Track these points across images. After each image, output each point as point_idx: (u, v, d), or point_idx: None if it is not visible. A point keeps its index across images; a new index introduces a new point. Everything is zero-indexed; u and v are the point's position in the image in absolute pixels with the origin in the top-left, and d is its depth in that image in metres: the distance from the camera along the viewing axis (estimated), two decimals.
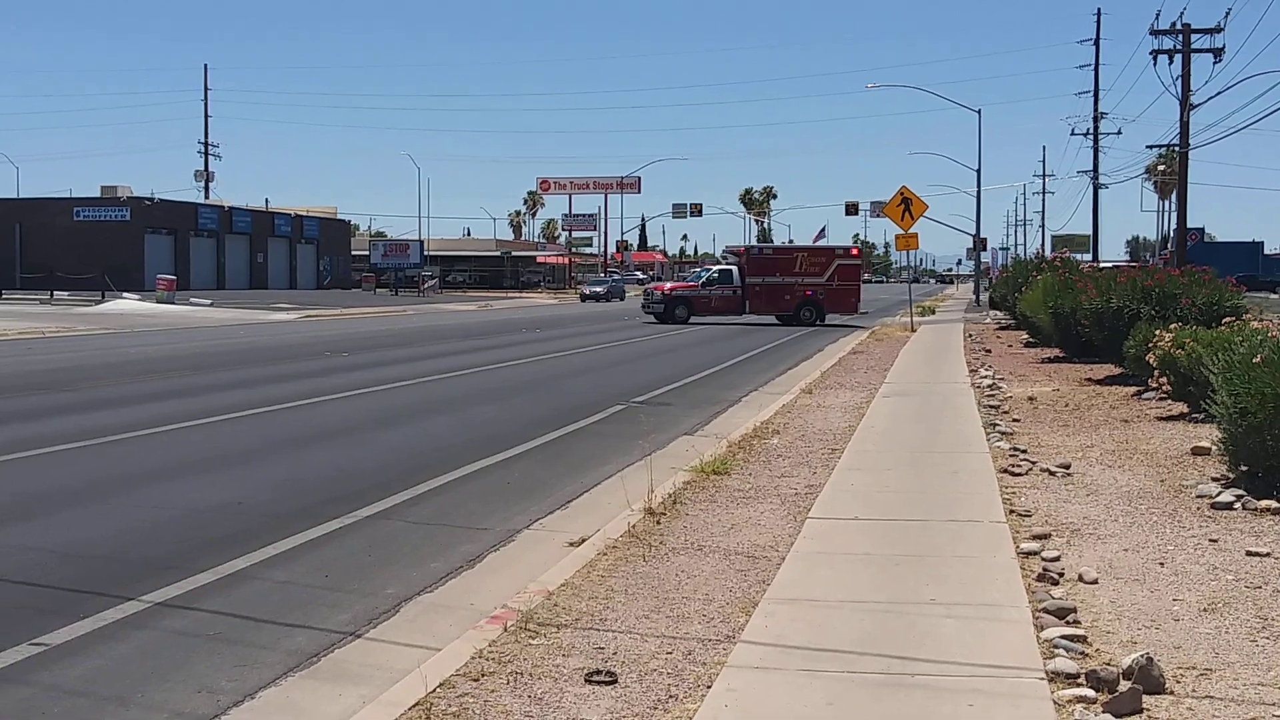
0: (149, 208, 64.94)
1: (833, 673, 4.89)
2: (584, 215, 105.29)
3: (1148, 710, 4.55)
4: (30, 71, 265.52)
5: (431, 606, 6.47)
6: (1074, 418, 13.23)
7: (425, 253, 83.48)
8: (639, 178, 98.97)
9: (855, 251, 43.80)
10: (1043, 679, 4.80)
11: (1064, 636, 5.32)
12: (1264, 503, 7.97)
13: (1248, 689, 4.77)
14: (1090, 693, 4.67)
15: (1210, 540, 7.21)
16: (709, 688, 4.82)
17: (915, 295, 43.54)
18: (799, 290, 39.93)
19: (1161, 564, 6.72)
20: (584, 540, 7.57)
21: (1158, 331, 13.58)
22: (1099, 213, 59.52)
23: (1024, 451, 10.65)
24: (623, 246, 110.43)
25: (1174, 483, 9.07)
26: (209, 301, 50.45)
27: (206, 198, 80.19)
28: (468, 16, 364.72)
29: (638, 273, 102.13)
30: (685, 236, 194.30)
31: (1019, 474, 9.54)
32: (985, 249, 70.82)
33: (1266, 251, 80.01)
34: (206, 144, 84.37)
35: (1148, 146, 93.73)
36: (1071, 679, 4.83)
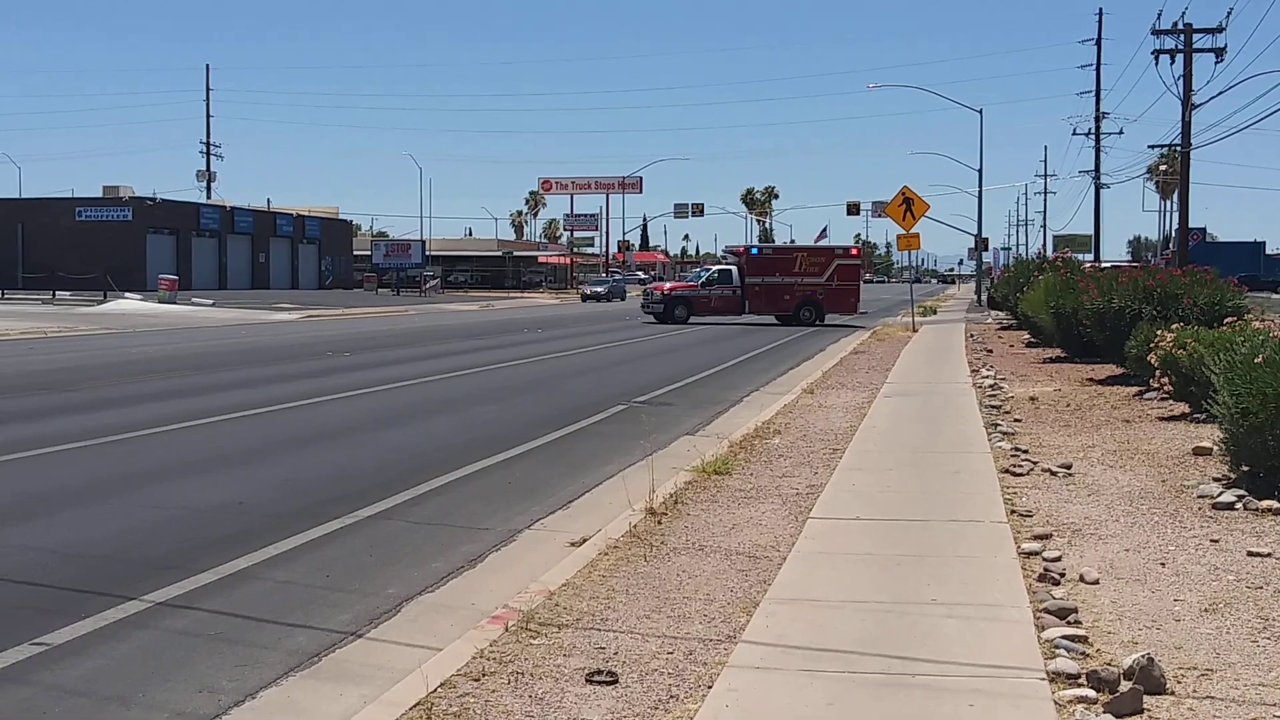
0: (151, 208, 64.98)
1: (833, 673, 4.89)
2: (586, 215, 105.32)
3: (1149, 710, 4.55)
4: (32, 72, 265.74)
5: (433, 606, 6.47)
6: (1075, 418, 13.23)
7: (427, 253, 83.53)
8: (640, 178, 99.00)
9: (855, 251, 43.74)
10: (1044, 679, 4.80)
11: (1065, 637, 5.32)
12: (1265, 503, 7.96)
13: (1249, 689, 4.76)
14: (1091, 693, 4.67)
15: (1211, 540, 7.21)
16: (710, 688, 4.82)
17: (917, 295, 43.55)
18: (798, 290, 39.90)
19: (1163, 564, 6.72)
20: (585, 540, 7.57)
21: (1159, 332, 13.58)
22: (1100, 213, 59.51)
23: (1025, 452, 10.65)
24: (624, 246, 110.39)
25: (1175, 483, 9.06)
26: (211, 301, 50.48)
27: (208, 198, 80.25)
28: (469, 16, 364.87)
29: (639, 273, 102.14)
30: (687, 236, 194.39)
31: (1020, 474, 9.53)
32: (987, 249, 70.84)
33: (1268, 251, 79.99)
34: (208, 144, 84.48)
35: (1149, 146, 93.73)
36: (1072, 679, 4.82)
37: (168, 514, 8.53)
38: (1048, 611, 5.70)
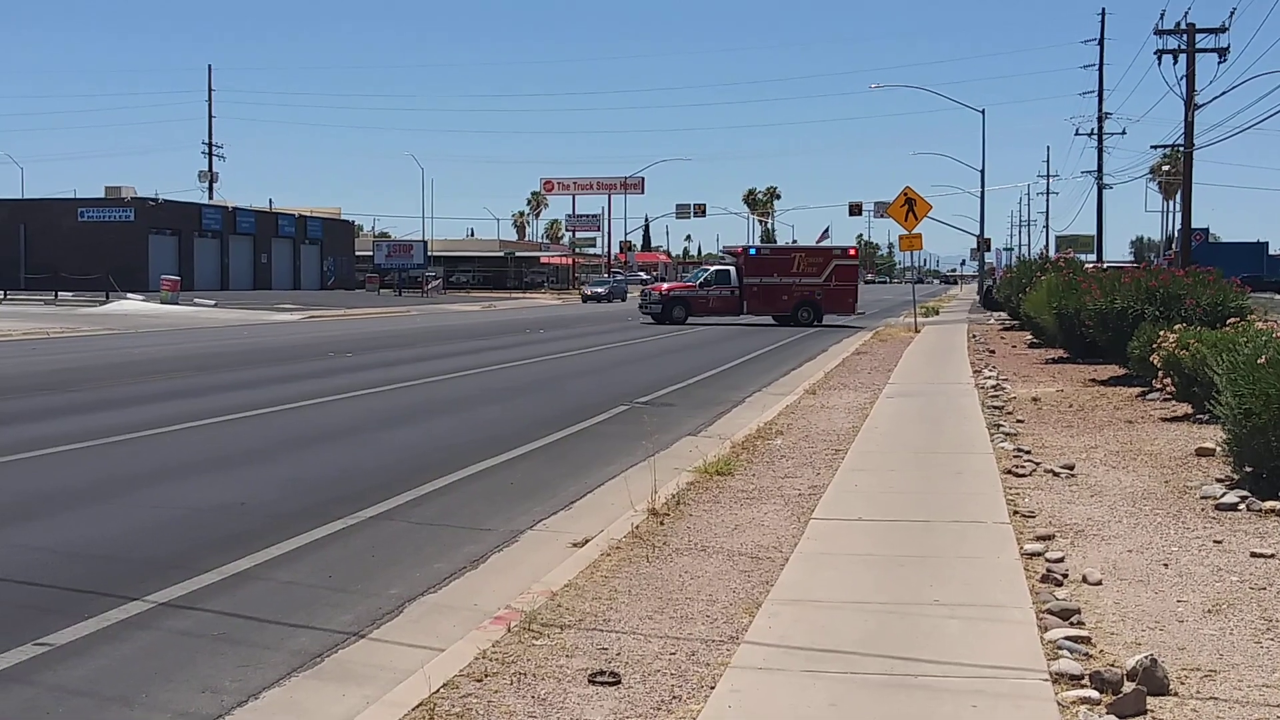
0: (153, 208, 65.01)
1: (836, 673, 4.89)
2: (588, 216, 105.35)
3: (1152, 711, 4.55)
4: (34, 72, 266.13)
5: (435, 607, 6.47)
6: (1078, 419, 13.22)
7: (429, 253, 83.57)
8: (642, 178, 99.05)
9: (853, 252, 43.67)
10: (1046, 680, 4.79)
11: (1068, 638, 5.31)
12: (1268, 504, 7.95)
13: (1252, 690, 4.76)
14: (1094, 694, 4.67)
15: (1215, 541, 7.20)
16: (712, 688, 4.82)
17: (919, 296, 43.56)
18: (796, 291, 39.85)
19: (1166, 565, 6.71)
20: (587, 541, 7.57)
21: (1162, 332, 13.57)
22: (1103, 213, 59.39)
23: (1028, 452, 10.64)
24: (626, 247, 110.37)
25: (1178, 484, 9.06)
26: (213, 302, 50.51)
27: (210, 198, 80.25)
28: (471, 16, 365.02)
29: (641, 273, 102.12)
30: (689, 237, 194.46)
31: (1023, 475, 9.53)
32: (989, 249, 70.80)
33: (1272, 252, 79.90)
34: (211, 144, 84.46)
35: (1152, 147, 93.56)
36: (1075, 680, 4.82)
37: (170, 514, 8.53)
38: (1050, 612, 5.70)
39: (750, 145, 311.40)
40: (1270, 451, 8.25)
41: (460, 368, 21.16)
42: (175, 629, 5.98)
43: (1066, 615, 5.67)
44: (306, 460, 11.14)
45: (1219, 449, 9.67)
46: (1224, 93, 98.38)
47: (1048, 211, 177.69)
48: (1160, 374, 13.09)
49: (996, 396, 15.46)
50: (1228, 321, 13.63)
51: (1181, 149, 39.66)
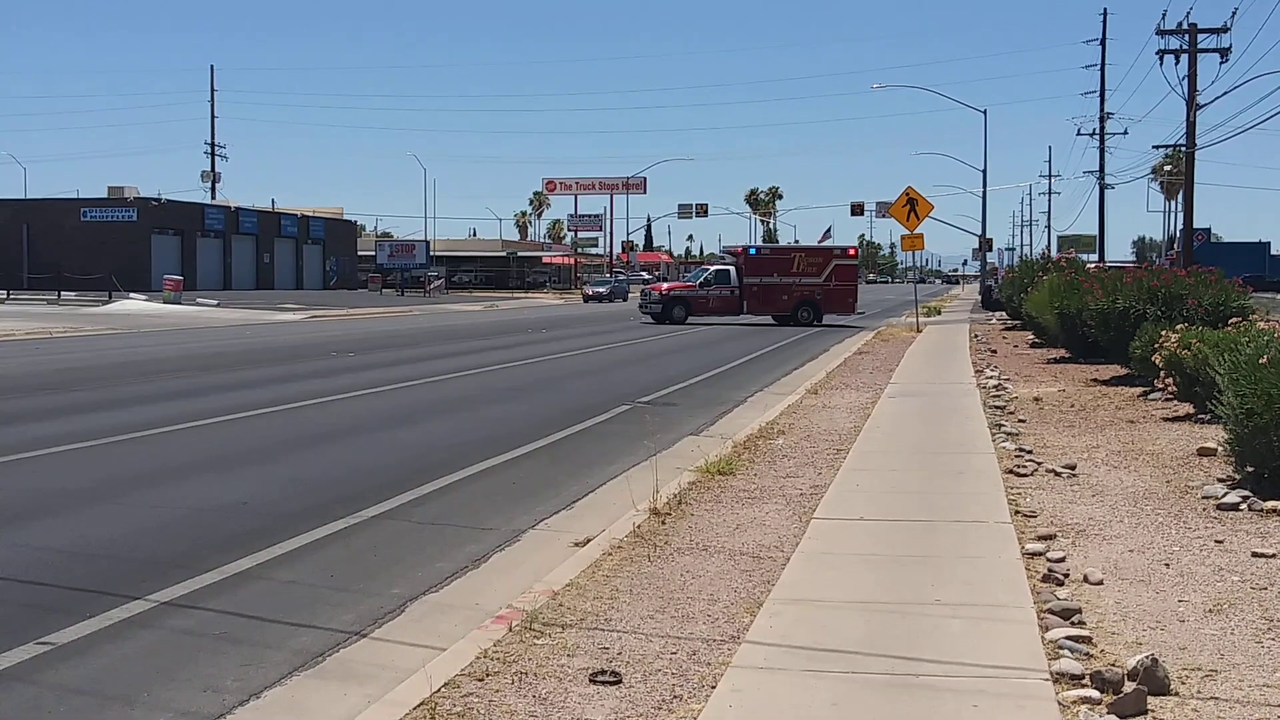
0: (156, 208, 65.05)
1: (837, 673, 4.89)
2: (590, 216, 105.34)
3: (1153, 711, 4.55)
4: (37, 72, 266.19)
5: (437, 606, 6.48)
6: (1080, 418, 13.22)
7: (431, 253, 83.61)
8: (644, 178, 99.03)
9: (852, 252, 43.70)
10: (1047, 680, 4.80)
11: (1069, 637, 5.31)
12: (1270, 504, 7.95)
13: (1253, 690, 4.76)
14: (1095, 694, 4.67)
15: (1216, 541, 7.20)
16: (713, 688, 4.82)
17: (921, 296, 43.54)
18: (796, 291, 39.83)
19: (1167, 565, 6.71)
20: (589, 540, 7.57)
21: (1164, 332, 13.56)
22: (1105, 213, 59.38)
23: (1029, 452, 10.64)
24: (628, 247, 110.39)
25: (1180, 484, 9.05)
26: (215, 302, 50.55)
27: (213, 198, 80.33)
28: (472, 17, 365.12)
29: (643, 273, 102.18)
30: (691, 237, 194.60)
31: (1024, 474, 9.53)
32: (991, 249, 70.76)
33: (1273, 252, 79.89)
34: (213, 145, 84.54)
35: (1154, 147, 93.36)
36: (1076, 680, 4.82)
37: (172, 514, 8.54)
38: (1052, 612, 5.70)
39: (752, 145, 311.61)
40: (1272, 451, 8.25)
41: (462, 367, 21.17)
42: (177, 628, 5.99)
43: (1068, 615, 5.67)
44: (308, 460, 11.15)
45: (1221, 449, 9.66)
46: (1226, 93, 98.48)
47: (1050, 211, 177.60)
48: (1162, 374, 13.09)
49: (998, 396, 15.46)
50: (1229, 321, 13.63)
51: (1183, 149, 39.64)
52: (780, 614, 5.75)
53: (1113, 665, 4.97)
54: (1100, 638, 5.41)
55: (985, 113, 54.05)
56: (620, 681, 4.93)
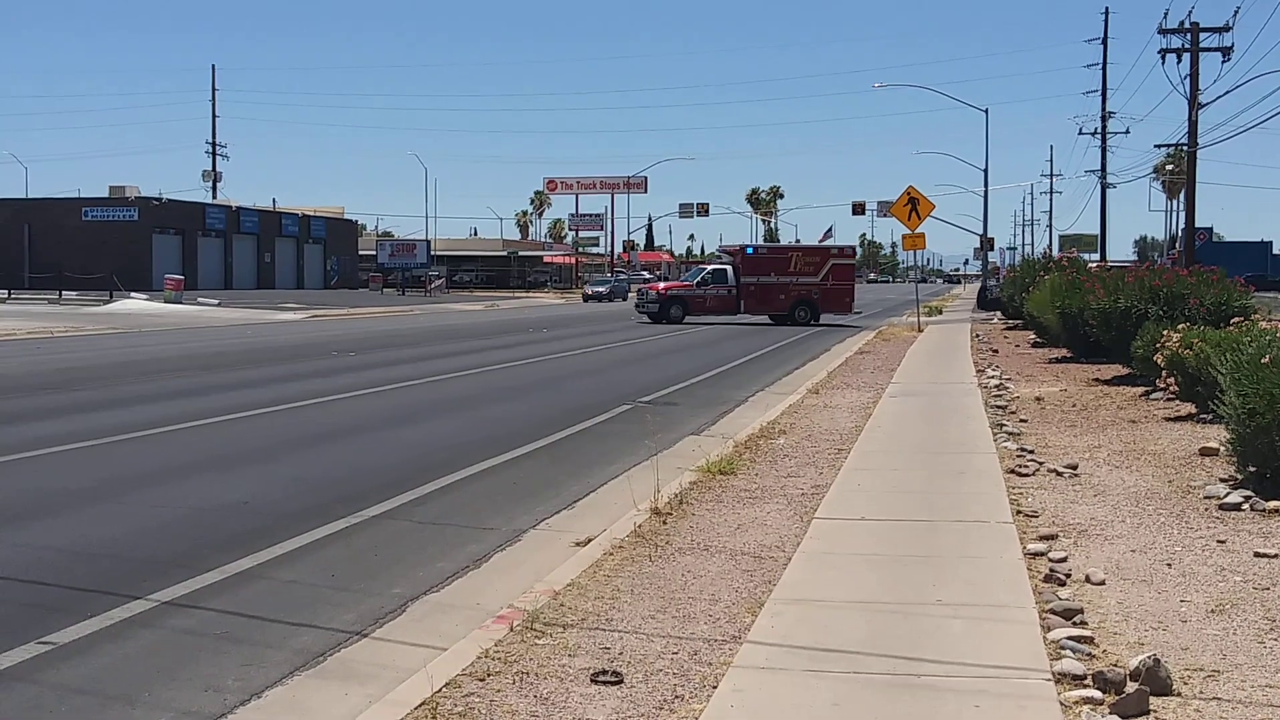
0: (157, 208, 65.09)
1: (839, 673, 4.88)
2: (591, 215, 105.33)
3: (1155, 712, 4.54)
4: (38, 72, 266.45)
5: (438, 606, 6.47)
6: (1081, 418, 13.21)
7: (432, 252, 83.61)
8: (645, 178, 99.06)
9: (850, 251, 43.77)
10: (1049, 680, 4.79)
11: (1071, 637, 5.31)
12: (1272, 504, 7.94)
13: (1255, 691, 4.75)
14: (1097, 694, 4.66)
15: (1218, 541, 7.19)
16: (715, 688, 4.82)
17: (922, 295, 43.52)
18: (794, 290, 39.81)
19: (1169, 565, 6.70)
20: (590, 540, 7.57)
21: (1165, 332, 13.55)
22: (1107, 212, 59.33)
23: (1031, 452, 10.63)
24: (629, 246, 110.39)
25: (1182, 484, 9.04)
26: (216, 301, 50.57)
27: (214, 198, 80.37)
28: (472, 17, 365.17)
29: (644, 272, 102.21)
30: (692, 236, 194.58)
31: (1026, 474, 9.52)
32: (993, 249, 70.71)
33: (1276, 251, 79.83)
34: (214, 144, 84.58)
35: (1156, 146, 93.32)
36: (1078, 680, 4.81)
37: (173, 513, 8.54)
38: (1053, 612, 5.69)
39: (753, 145, 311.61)
40: (1274, 451, 8.24)
41: (463, 367, 21.17)
42: (178, 628, 5.99)
43: (1069, 615, 5.67)
44: (309, 459, 11.14)
45: (1222, 449, 9.65)
46: (1228, 92, 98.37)
47: (1051, 211, 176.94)
48: (1164, 374, 13.08)
49: (1000, 396, 15.45)
50: (1231, 321, 13.62)
51: (1185, 148, 39.60)
52: (782, 614, 5.75)
53: (1115, 665, 4.97)
54: (1102, 638, 5.41)
55: (987, 112, 54.01)
56: (621, 681, 4.93)
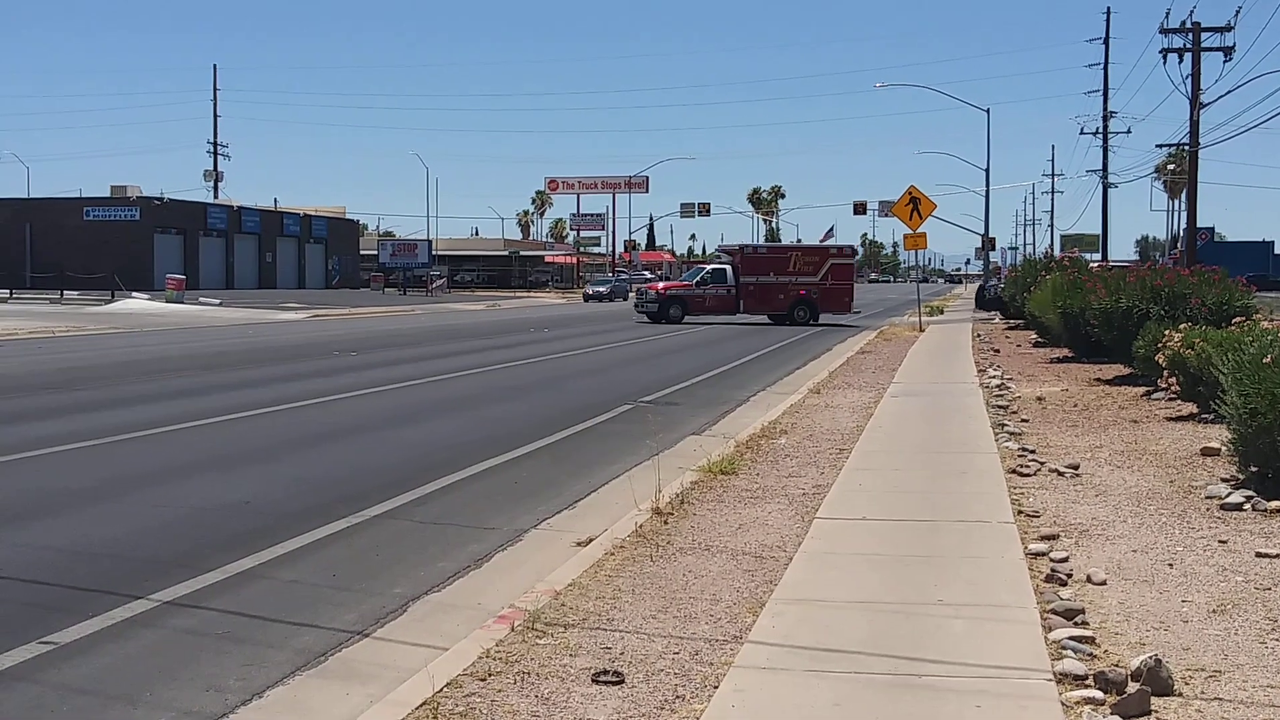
0: (158, 207, 65.11)
1: (840, 673, 4.88)
2: (592, 215, 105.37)
3: (1156, 712, 4.54)
4: (39, 72, 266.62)
5: (439, 606, 6.48)
6: (1083, 418, 13.20)
7: (433, 252, 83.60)
8: (647, 177, 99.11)
9: (849, 250, 43.78)
10: (1050, 680, 4.79)
11: (1072, 638, 5.30)
12: (1274, 504, 7.93)
13: (1257, 691, 4.75)
14: (1098, 694, 4.66)
15: (1220, 541, 7.19)
16: (716, 688, 4.82)
17: (924, 295, 43.49)
18: (793, 290, 39.80)
19: (1170, 565, 6.70)
20: (591, 540, 7.57)
21: (1167, 331, 13.55)
22: (1108, 212, 59.39)
23: (1032, 452, 10.63)
24: (631, 246, 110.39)
25: (1183, 484, 9.04)
26: (218, 301, 50.57)
27: (215, 197, 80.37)
28: (473, 17, 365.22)
29: (645, 272, 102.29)
30: (693, 236, 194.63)
31: (1027, 474, 9.51)
32: (994, 248, 70.72)
33: (1277, 251, 79.81)
34: (216, 144, 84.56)
35: (1157, 145, 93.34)
36: (1079, 680, 4.81)
37: (175, 513, 8.54)
38: (1055, 612, 5.69)
39: (755, 144, 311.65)
40: (1276, 451, 8.23)
41: (464, 367, 21.17)
42: (179, 627, 5.99)
43: (1071, 615, 5.66)
44: (311, 459, 11.15)
45: (1224, 449, 9.65)
46: (1229, 91, 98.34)
47: (1053, 210, 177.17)
48: (1165, 373, 13.07)
49: (1001, 396, 15.45)
50: (1233, 321, 13.61)
51: (1187, 148, 39.60)
52: (783, 614, 5.75)
53: (1116, 666, 4.96)
54: (1103, 638, 5.40)
55: (988, 112, 54.04)
56: (623, 681, 4.93)
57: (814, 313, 39.73)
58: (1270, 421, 8.12)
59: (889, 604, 5.88)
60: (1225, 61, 37.57)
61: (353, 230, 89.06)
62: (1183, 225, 51.45)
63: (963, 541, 7.19)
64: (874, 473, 9.65)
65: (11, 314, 38.79)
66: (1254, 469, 8.73)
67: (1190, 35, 37.66)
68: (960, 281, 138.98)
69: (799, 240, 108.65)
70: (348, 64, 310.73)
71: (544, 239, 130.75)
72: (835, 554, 7.01)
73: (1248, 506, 8.00)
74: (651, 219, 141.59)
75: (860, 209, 78.43)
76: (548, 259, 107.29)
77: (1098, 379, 17.55)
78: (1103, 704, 4.59)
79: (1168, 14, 38.89)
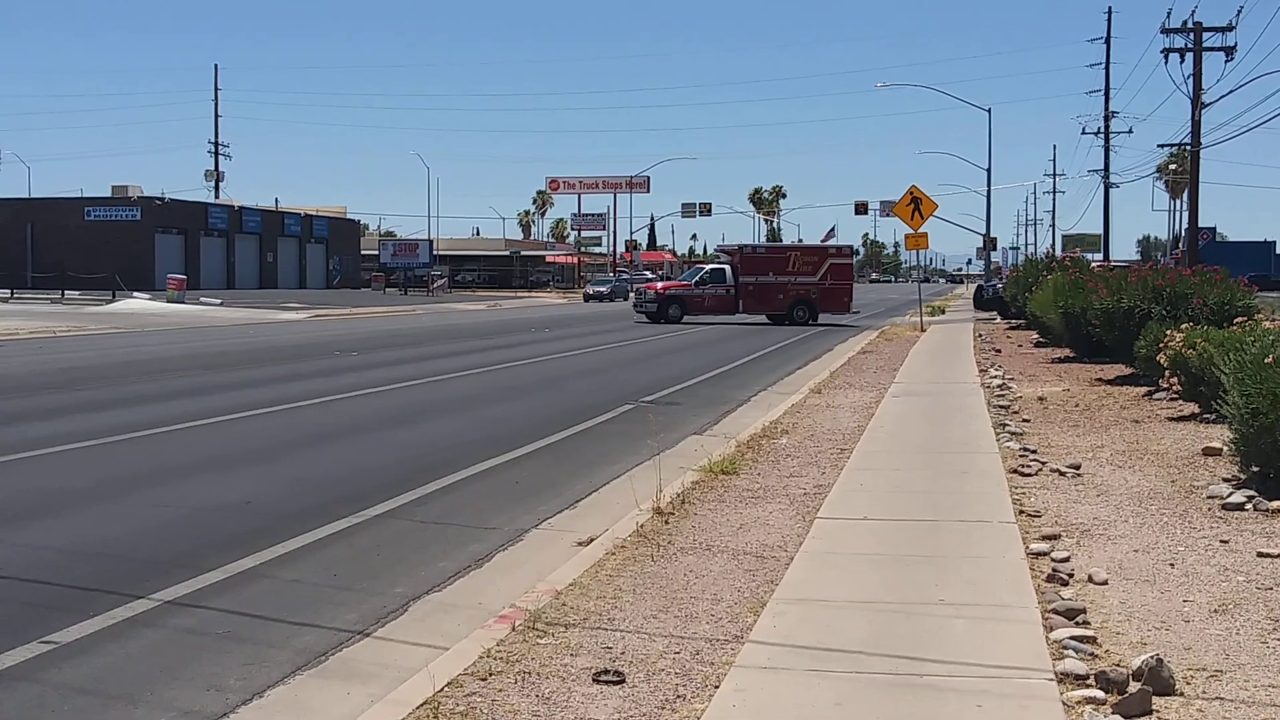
0: (159, 207, 65.14)
1: (841, 673, 4.88)
2: (593, 215, 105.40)
3: (1157, 712, 4.53)
4: (40, 72, 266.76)
5: (440, 606, 6.47)
6: (1084, 418, 13.19)
7: (434, 252, 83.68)
8: (648, 177, 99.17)
9: (848, 250, 43.81)
10: (1052, 680, 4.78)
11: (1073, 637, 5.30)
12: (1275, 504, 7.93)
13: (1258, 690, 4.74)
14: (1100, 694, 4.65)
15: (1221, 541, 7.18)
16: (717, 687, 4.81)
17: (925, 295, 43.45)
18: (792, 290, 39.79)
19: (1172, 565, 6.69)
20: (592, 540, 7.57)
21: (1169, 331, 13.54)
22: (1110, 212, 59.41)
23: (1034, 452, 10.62)
24: (632, 246, 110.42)
25: (1185, 483, 9.03)
26: (219, 301, 50.59)
27: (216, 197, 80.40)
28: (473, 17, 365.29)
29: (646, 272, 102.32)
30: (694, 236, 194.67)
31: (1029, 474, 9.51)
32: (995, 248, 70.70)
33: (1279, 251, 79.77)
34: (217, 144, 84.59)
35: (1159, 145, 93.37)
36: (1081, 680, 4.81)
37: (176, 513, 8.54)
38: (1056, 612, 5.68)
39: (756, 144, 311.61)
40: (1277, 451, 8.23)
41: (465, 367, 21.17)
42: (180, 627, 5.99)
43: (1072, 615, 5.66)
44: (311, 459, 11.15)
45: (1226, 448, 9.64)
46: (1231, 91, 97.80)
47: (1054, 210, 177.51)
48: (1167, 373, 13.06)
49: (1002, 396, 15.44)
50: (1235, 321, 13.60)
51: (1188, 148, 39.59)
52: (784, 614, 5.74)
53: (1117, 665, 4.96)
54: (1105, 638, 5.40)
55: (989, 111, 54.06)
56: (623, 681, 4.92)
57: (813, 313, 39.73)
58: (1272, 421, 8.11)
59: (890, 604, 5.88)
60: (1227, 61, 37.57)
61: (354, 230, 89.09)
62: (1184, 225, 51.46)
63: (964, 541, 7.19)
64: (875, 473, 9.65)
65: (12, 314, 38.81)
66: (1255, 469, 8.72)
67: (1192, 35, 37.65)
68: (962, 281, 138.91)
69: (800, 240, 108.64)
70: (348, 64, 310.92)
71: (545, 239, 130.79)
72: (836, 554, 7.00)
73: (1249, 506, 8.00)
74: (653, 219, 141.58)
75: (861, 209, 78.48)
76: (549, 259, 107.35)
77: (1099, 379, 17.54)
78: (1104, 704, 4.58)
79: (1169, 14, 38.96)
